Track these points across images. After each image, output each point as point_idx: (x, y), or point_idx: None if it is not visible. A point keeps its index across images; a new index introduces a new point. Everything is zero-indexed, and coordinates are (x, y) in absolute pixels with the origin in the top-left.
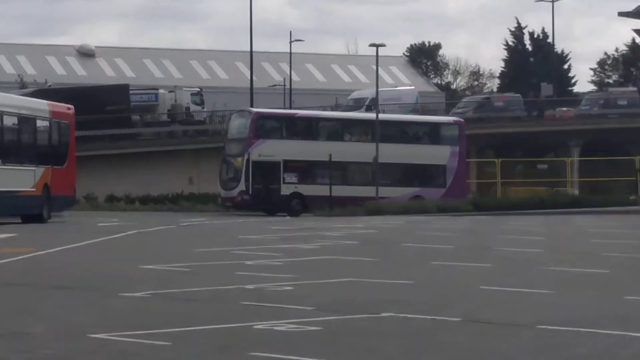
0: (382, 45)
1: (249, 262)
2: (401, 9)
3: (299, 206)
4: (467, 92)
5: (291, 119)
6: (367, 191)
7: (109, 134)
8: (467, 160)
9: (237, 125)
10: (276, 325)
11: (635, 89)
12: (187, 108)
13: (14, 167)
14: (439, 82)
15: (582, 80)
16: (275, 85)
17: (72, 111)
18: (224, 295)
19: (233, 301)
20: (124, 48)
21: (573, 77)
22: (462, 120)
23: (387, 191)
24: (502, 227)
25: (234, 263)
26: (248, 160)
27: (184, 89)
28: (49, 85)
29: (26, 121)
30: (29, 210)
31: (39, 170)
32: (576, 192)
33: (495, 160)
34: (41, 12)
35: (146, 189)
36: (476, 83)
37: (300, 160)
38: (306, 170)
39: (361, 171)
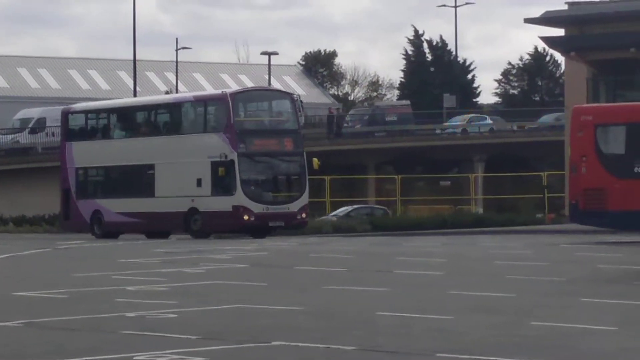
0: (275, 53)
1: (131, 288)
2: (284, 14)
3: None
4: (365, 104)
5: None
6: None
7: None
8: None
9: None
10: (158, 356)
11: (408, 103)
12: None
13: None
14: (337, 92)
15: (488, 91)
16: None
17: None
18: (103, 324)
19: (113, 330)
20: None
21: (477, 87)
22: None
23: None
24: (400, 248)
25: (114, 289)
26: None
27: None
28: None
29: None
30: None
31: None
32: (480, 210)
33: (395, 176)
34: None
35: (20, 210)
36: (375, 94)
37: None
38: None
39: None
